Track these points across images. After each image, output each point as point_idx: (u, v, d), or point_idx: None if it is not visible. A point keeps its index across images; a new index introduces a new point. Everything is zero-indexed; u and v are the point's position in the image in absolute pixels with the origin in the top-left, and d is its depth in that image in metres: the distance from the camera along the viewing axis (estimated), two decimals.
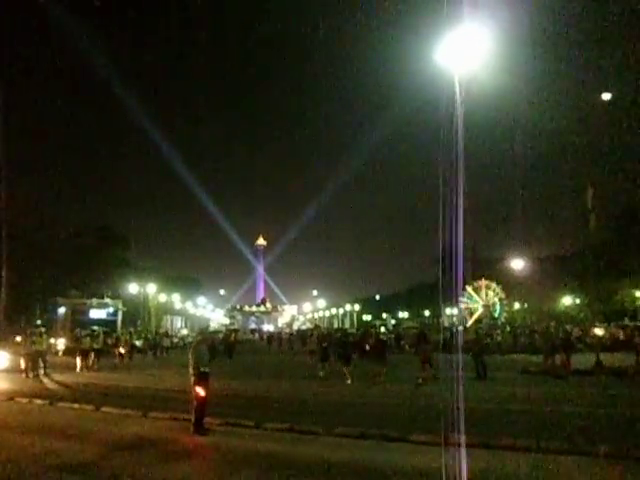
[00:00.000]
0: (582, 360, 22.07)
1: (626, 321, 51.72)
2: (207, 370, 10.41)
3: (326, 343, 22.00)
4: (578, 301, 60.98)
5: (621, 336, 37.91)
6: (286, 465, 7.90)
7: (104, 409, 12.77)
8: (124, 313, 56.52)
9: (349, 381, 17.69)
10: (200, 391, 10.11)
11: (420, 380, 17.13)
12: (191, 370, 10.31)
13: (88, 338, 28.59)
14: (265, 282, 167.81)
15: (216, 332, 53.22)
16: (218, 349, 37.10)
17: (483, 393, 14.35)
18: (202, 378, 10.24)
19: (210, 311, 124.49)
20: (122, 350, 30.79)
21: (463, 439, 8.56)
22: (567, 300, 62.04)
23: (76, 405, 13.42)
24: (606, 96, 31.98)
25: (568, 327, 39.88)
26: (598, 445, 7.98)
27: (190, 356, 10.44)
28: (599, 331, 40.99)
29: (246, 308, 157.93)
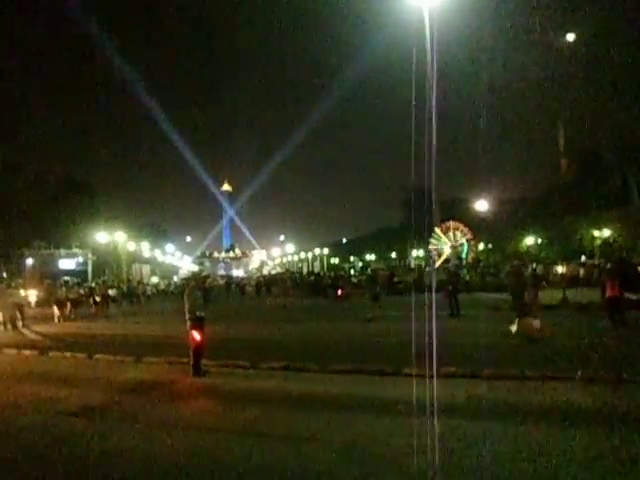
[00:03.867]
0: (547, 296, 23.28)
1: (583, 259, 54.16)
2: (202, 314, 10.71)
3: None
4: (539, 241, 63.08)
5: (581, 273, 39.85)
6: (287, 401, 8.37)
7: (97, 356, 13.03)
8: (93, 262, 55.93)
9: None
10: (196, 335, 10.44)
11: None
12: (187, 315, 10.57)
13: (63, 288, 28.51)
14: (233, 228, 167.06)
15: (206, 277, 51.48)
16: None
17: (460, 328, 15.13)
18: (198, 322, 10.55)
19: (178, 259, 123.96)
20: (97, 299, 30.85)
21: (449, 370, 9.21)
22: (529, 240, 64.09)
23: (68, 354, 13.61)
24: (570, 37, 32.04)
25: (533, 265, 41.49)
26: (577, 370, 8.72)
27: (185, 300, 10.69)
28: (561, 269, 42.97)
29: (215, 254, 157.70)
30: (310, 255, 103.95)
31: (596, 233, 56.24)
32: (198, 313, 10.59)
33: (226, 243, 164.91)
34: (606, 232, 56.35)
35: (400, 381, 8.98)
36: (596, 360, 9.79)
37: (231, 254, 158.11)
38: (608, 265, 23.58)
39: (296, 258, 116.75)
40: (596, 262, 44.79)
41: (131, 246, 65.34)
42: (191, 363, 10.41)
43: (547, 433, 6.21)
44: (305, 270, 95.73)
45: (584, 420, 6.62)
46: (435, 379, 8.14)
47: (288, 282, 44.07)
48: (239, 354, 12.01)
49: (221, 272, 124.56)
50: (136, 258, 75.35)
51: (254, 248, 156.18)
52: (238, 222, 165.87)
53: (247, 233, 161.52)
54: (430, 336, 7.13)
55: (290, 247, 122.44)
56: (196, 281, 11.54)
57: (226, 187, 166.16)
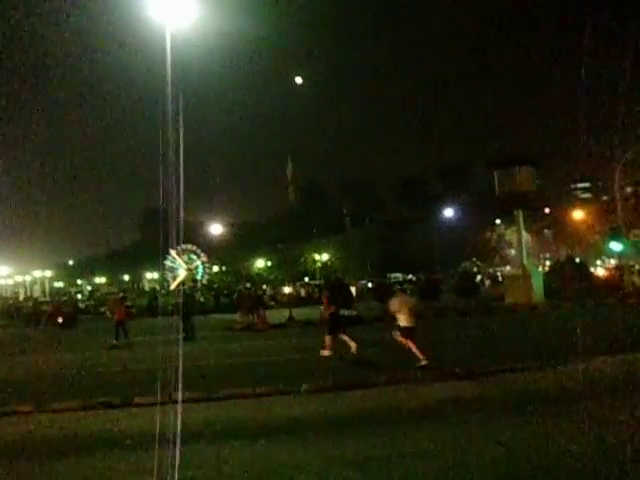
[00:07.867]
0: (276, 315, 25.10)
1: (306, 280, 60.04)
2: None
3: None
4: (269, 264, 67.72)
5: (302, 294, 43.94)
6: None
7: None
8: None
9: None
10: None
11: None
12: None
13: None
14: None
15: None
16: None
17: (195, 352, 15.16)
18: None
19: None
20: None
21: (183, 395, 9.12)
22: (260, 263, 68.19)
23: None
24: (299, 80, 35.96)
25: (263, 287, 44.29)
26: (300, 384, 9.51)
27: None
28: (287, 290, 46.78)
29: None
30: (29, 278, 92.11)
31: (317, 257, 62.89)
32: None
33: None
34: (325, 256, 63.55)
35: (132, 412, 8.55)
36: (320, 372, 10.82)
37: None
38: (326, 285, 26.54)
39: (11, 282, 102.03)
40: (317, 282, 50.08)
41: None
42: None
43: (282, 448, 6.53)
44: (22, 296, 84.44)
45: (313, 431, 7.16)
46: (170, 406, 7.98)
47: None
48: None
49: None
50: None
51: None
52: None
53: None
54: (165, 362, 6.97)
55: (3, 269, 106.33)
56: None
57: None
